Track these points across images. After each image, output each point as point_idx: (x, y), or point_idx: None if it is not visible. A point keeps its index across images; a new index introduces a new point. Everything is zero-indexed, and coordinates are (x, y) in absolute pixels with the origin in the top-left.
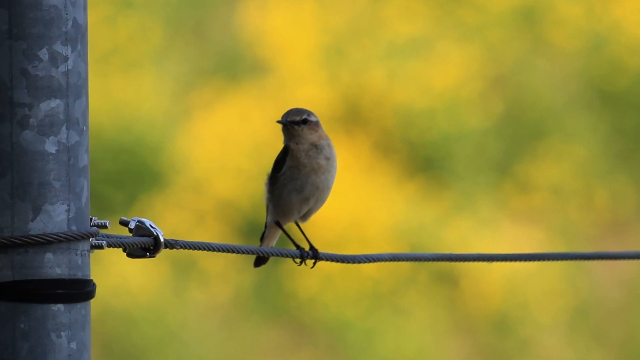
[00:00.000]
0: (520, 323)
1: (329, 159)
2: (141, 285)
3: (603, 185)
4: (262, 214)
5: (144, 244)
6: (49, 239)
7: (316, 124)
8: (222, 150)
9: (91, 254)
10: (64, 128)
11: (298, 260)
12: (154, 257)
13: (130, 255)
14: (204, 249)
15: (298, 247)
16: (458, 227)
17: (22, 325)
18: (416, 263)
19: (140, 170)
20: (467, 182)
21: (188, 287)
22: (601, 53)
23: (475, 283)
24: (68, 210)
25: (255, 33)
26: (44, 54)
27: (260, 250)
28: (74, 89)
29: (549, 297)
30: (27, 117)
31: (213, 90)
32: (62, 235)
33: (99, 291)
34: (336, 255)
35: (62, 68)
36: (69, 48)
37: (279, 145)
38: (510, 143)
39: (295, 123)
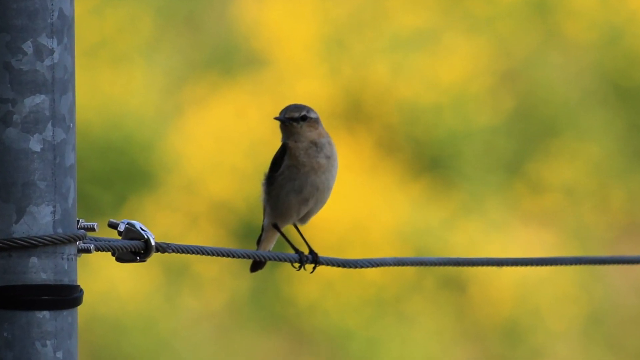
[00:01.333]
0: (531, 331)
1: (330, 157)
2: (131, 291)
3: (619, 186)
4: (258, 216)
5: (134, 248)
6: (34, 242)
7: (316, 121)
8: (217, 149)
9: (78, 258)
10: (49, 125)
11: (297, 264)
12: (144, 261)
13: (120, 259)
14: (198, 253)
15: (297, 250)
16: (466, 229)
17: (5, 334)
18: (422, 268)
19: (129, 169)
20: (475, 182)
21: (180, 293)
22: (617, 46)
23: (484, 289)
24: (54, 212)
25: (251, 24)
26: (28, 46)
27: (256, 255)
28: (60, 84)
29: (562, 304)
30: (10, 113)
31: (207, 85)
32: (48, 238)
33: (86, 297)
34: (337, 259)
35: (47, 62)
36: (55, 41)
37: (277, 143)
38: (521, 141)
39: (294, 120)
